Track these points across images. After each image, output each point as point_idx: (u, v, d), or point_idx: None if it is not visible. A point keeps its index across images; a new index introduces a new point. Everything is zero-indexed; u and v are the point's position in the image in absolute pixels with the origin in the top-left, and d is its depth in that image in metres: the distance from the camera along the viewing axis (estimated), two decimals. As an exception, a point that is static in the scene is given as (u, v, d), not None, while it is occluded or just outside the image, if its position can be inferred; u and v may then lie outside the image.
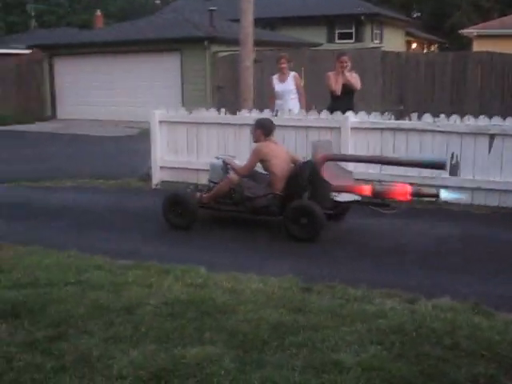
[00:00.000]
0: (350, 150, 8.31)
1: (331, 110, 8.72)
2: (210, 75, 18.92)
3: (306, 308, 4.34)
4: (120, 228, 7.34)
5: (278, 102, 10.08)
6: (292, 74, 10.21)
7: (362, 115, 8.49)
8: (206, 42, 18.67)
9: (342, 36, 31.18)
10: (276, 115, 8.94)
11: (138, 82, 20.34)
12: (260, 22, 25.43)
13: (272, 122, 7.27)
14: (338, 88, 9.42)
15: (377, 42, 31.41)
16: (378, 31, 32.64)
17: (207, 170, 7.87)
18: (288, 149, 7.61)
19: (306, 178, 6.64)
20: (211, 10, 20.25)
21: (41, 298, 4.51)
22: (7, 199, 9.26)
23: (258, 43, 12.34)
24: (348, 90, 9.47)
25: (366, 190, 6.55)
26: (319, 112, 8.73)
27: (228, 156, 7.71)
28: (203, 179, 8.51)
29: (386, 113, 8.59)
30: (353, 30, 31.42)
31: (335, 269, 5.54)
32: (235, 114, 9.36)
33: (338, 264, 5.77)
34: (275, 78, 10.22)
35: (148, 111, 9.91)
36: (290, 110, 9.25)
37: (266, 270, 5.42)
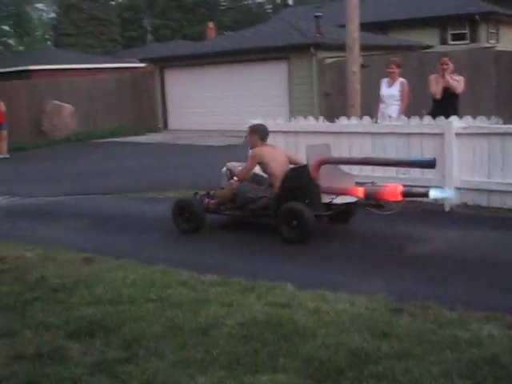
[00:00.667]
0: (455, 157, 7.79)
1: (433, 115, 8.26)
2: (316, 82, 18.67)
3: (392, 332, 3.99)
4: (214, 241, 7.24)
5: (381, 105, 9.90)
6: (400, 80, 9.92)
7: (468, 120, 7.95)
8: (312, 49, 18.43)
9: (456, 37, 29.97)
10: (376, 122, 8.60)
11: (245, 92, 20.40)
12: (371, 26, 25.03)
13: (266, 127, 7.53)
14: (437, 91, 9.03)
15: (493, 42, 29.95)
16: (494, 31, 31.12)
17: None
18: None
19: (298, 180, 6.79)
20: (317, 16, 19.99)
21: (118, 316, 4.43)
22: (110, 211, 9.42)
23: (365, 48, 11.98)
24: (449, 93, 9.01)
25: (359, 191, 6.67)
26: (422, 117, 8.29)
27: (233, 163, 7.84)
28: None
29: (493, 117, 8.02)
30: (467, 31, 30.13)
31: (431, 286, 5.14)
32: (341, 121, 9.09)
33: (432, 280, 5.36)
34: (384, 82, 10.05)
35: (246, 121, 9.80)
36: (389, 117, 8.88)
37: (357, 287, 5.11)
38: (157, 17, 48.44)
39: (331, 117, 9.66)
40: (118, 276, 5.51)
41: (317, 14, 20.43)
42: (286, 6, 49.20)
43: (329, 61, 18.49)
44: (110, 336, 4.12)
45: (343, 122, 8.84)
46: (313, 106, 18.44)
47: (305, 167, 6.86)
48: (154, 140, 20.40)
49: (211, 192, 7.87)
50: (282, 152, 7.48)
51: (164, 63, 22.86)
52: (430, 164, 6.61)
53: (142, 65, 24.95)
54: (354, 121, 8.67)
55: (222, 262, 6.28)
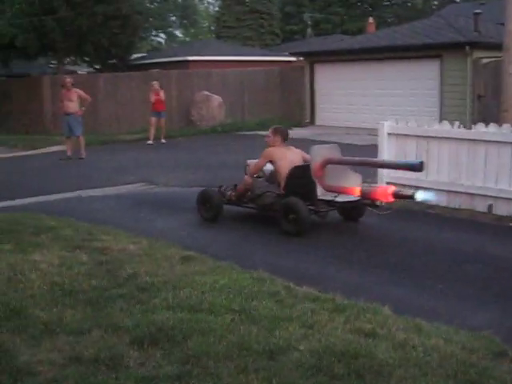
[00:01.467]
0: None
1: None
2: (470, 83, 17.50)
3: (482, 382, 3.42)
4: (326, 251, 6.86)
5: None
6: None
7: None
8: (467, 48, 17.28)
9: None
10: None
11: (394, 90, 19.61)
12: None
13: (287, 130, 8.23)
14: None
15: None
16: None
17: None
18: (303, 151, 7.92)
19: (299, 178, 7.40)
20: (476, 13, 18.73)
21: (189, 326, 4.17)
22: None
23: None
24: None
25: (356, 191, 7.15)
26: None
27: (253, 160, 8.25)
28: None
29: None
30: None
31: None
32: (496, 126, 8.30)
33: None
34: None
35: (378, 121, 9.31)
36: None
37: (461, 316, 4.54)
38: (318, 11, 48.18)
39: (482, 122, 8.82)
40: (208, 280, 5.28)
41: (476, 11, 19.15)
42: (452, 2, 47.04)
43: (485, 61, 17.26)
44: (174, 347, 3.87)
45: (480, 129, 8.06)
46: (464, 108, 17.31)
47: (306, 166, 7.45)
48: (297, 135, 20.13)
49: (236, 185, 8.30)
50: (297, 153, 7.90)
51: (314, 58, 22.54)
52: (416, 167, 6.92)
53: (293, 59, 24.80)
54: (491, 128, 7.87)
55: (329, 273, 5.90)
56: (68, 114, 16.29)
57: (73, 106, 16.26)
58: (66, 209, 9.56)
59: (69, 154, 16.34)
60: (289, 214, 7.23)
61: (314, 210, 7.40)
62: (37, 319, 4.39)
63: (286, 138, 8.00)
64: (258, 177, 8.15)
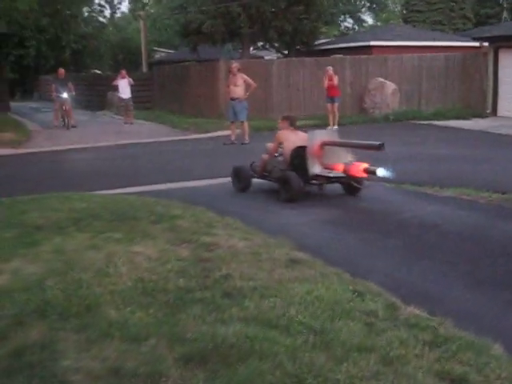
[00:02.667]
0: None
1: None
2: None
3: None
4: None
5: None
6: None
7: None
8: None
9: None
10: None
11: None
12: None
13: (294, 116, 9.93)
14: None
15: None
16: None
17: None
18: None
19: (298, 157, 8.80)
20: None
21: (251, 346, 3.68)
22: (363, 203, 8.66)
23: None
24: None
25: (340, 167, 8.44)
26: None
27: (270, 143, 9.59)
28: None
29: None
30: None
31: None
32: None
33: None
34: None
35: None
36: None
37: None
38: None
39: None
40: (303, 289, 4.73)
41: None
42: None
43: None
44: (221, 370, 3.41)
45: None
46: None
47: (303, 147, 8.86)
48: (475, 126, 18.68)
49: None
50: (301, 136, 9.24)
51: (499, 43, 20.72)
52: (378, 147, 8.15)
53: (476, 44, 23.04)
54: None
55: (455, 293, 5.10)
56: (233, 99, 16.34)
57: (238, 91, 16.27)
58: (206, 196, 9.45)
59: (232, 138, 16.42)
60: (285, 184, 8.74)
61: (310, 183, 8.93)
62: (103, 319, 4.14)
63: (292, 124, 9.46)
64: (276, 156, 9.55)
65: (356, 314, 4.30)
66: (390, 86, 21.01)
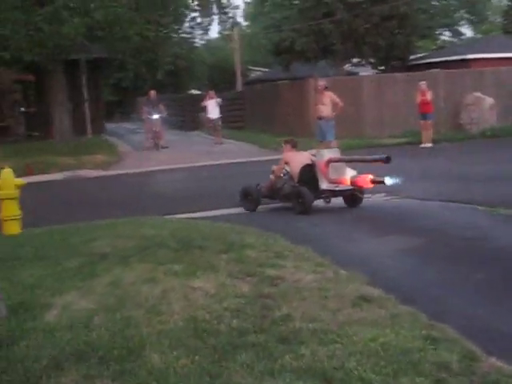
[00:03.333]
0: None
1: None
2: None
3: None
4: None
5: None
6: None
7: None
8: None
9: None
10: None
11: None
12: None
13: (294, 140, 10.81)
14: None
15: None
16: None
17: None
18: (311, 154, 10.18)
19: (307, 174, 9.62)
20: None
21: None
22: (463, 228, 8.01)
23: None
24: None
25: (347, 181, 9.37)
26: None
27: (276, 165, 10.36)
28: None
29: None
30: None
31: None
32: None
33: None
34: None
35: None
36: None
37: None
38: None
39: None
40: (368, 334, 4.22)
41: None
42: None
43: None
44: None
45: None
46: None
47: (312, 165, 9.74)
48: None
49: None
50: (305, 155, 10.23)
51: None
52: (385, 160, 8.86)
53: None
54: None
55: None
56: (320, 118, 15.94)
57: (325, 109, 15.87)
58: (285, 220, 9.10)
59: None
60: (298, 198, 9.49)
61: (319, 197, 9.67)
62: (144, 365, 3.82)
63: (293, 146, 10.48)
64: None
65: (425, 366, 3.76)
66: (488, 101, 19.97)
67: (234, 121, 28.51)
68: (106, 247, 6.84)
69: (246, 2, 62.27)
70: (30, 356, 4.04)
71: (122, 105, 49.45)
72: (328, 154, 9.87)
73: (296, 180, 9.78)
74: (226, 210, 10.33)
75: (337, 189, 9.54)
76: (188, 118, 31.98)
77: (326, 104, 15.81)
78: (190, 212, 10.15)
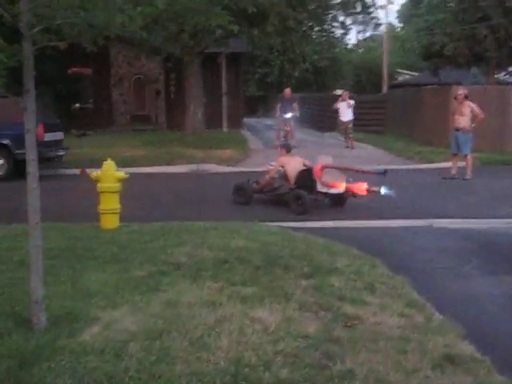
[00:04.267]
0: None
1: None
2: None
3: None
4: None
5: None
6: None
7: None
8: None
9: None
10: None
11: None
12: None
13: (290, 145, 13.44)
14: None
15: None
16: None
17: None
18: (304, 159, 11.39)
19: (304, 177, 10.68)
20: None
21: None
22: None
23: None
24: None
25: (342, 186, 10.42)
26: None
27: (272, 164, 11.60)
28: None
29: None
30: None
31: None
32: None
33: None
34: None
35: None
36: None
37: None
38: None
39: None
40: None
41: None
42: None
43: None
44: None
45: None
46: None
47: (308, 170, 10.73)
48: None
49: (258, 180, 11.44)
50: (299, 160, 11.30)
51: None
52: (382, 173, 10.05)
53: None
54: None
55: None
56: (457, 130, 14.68)
57: (463, 120, 14.58)
58: (393, 241, 8.24)
59: (453, 172, 14.77)
60: (298, 200, 10.34)
61: (314, 198, 10.50)
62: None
63: (288, 151, 11.68)
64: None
65: None
66: None
67: (375, 124, 27.46)
68: (183, 256, 6.37)
69: (400, 4, 60.36)
70: (46, 381, 3.61)
71: (266, 100, 49.57)
72: (322, 160, 10.96)
73: (292, 182, 10.86)
74: (329, 222, 9.60)
75: (331, 191, 10.57)
76: (326, 118, 31.26)
77: (465, 114, 14.49)
78: (298, 220, 9.55)
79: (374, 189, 9.84)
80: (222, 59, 27.08)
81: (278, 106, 21.93)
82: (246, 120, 33.06)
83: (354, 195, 10.35)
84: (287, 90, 22.08)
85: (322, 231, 8.54)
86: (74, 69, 27.43)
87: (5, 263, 6.15)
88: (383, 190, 9.69)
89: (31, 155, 4.32)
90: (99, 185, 8.61)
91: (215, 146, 20.01)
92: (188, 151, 18.97)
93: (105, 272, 5.85)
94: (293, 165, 11.06)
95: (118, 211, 8.57)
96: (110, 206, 8.56)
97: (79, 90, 28.63)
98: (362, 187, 10.01)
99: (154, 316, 4.63)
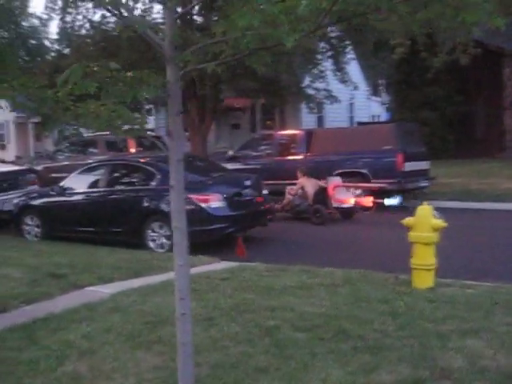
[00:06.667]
0: None
1: None
2: None
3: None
4: None
5: None
6: None
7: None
8: None
9: None
10: None
11: None
12: None
13: (306, 169, 15.17)
14: None
15: None
16: None
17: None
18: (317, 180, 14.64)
19: (321, 195, 14.07)
20: None
21: None
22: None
23: None
24: None
25: (352, 201, 13.82)
26: None
27: (292, 187, 14.88)
28: None
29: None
30: None
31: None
32: None
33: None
34: None
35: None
36: None
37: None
38: None
39: None
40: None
41: None
42: None
43: None
44: None
45: None
46: None
47: (324, 189, 14.29)
48: None
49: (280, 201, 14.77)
50: (314, 182, 14.65)
51: None
52: (397, 204, 11.99)
53: None
54: None
55: None
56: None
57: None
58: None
59: None
60: (316, 213, 13.84)
61: (329, 212, 13.93)
62: None
63: (305, 174, 14.85)
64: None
65: None
66: None
67: None
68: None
69: None
70: None
71: None
72: (333, 181, 14.29)
73: (310, 199, 14.08)
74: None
75: (342, 206, 13.86)
76: None
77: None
78: None
79: (379, 201, 12.91)
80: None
81: None
82: None
83: (364, 209, 13.35)
84: None
85: None
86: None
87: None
88: (387, 201, 12.26)
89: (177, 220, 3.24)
90: (410, 233, 7.11)
91: None
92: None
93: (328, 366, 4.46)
94: (310, 185, 14.49)
95: (433, 268, 6.93)
96: (423, 260, 7.07)
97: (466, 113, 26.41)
98: (368, 200, 13.37)
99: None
